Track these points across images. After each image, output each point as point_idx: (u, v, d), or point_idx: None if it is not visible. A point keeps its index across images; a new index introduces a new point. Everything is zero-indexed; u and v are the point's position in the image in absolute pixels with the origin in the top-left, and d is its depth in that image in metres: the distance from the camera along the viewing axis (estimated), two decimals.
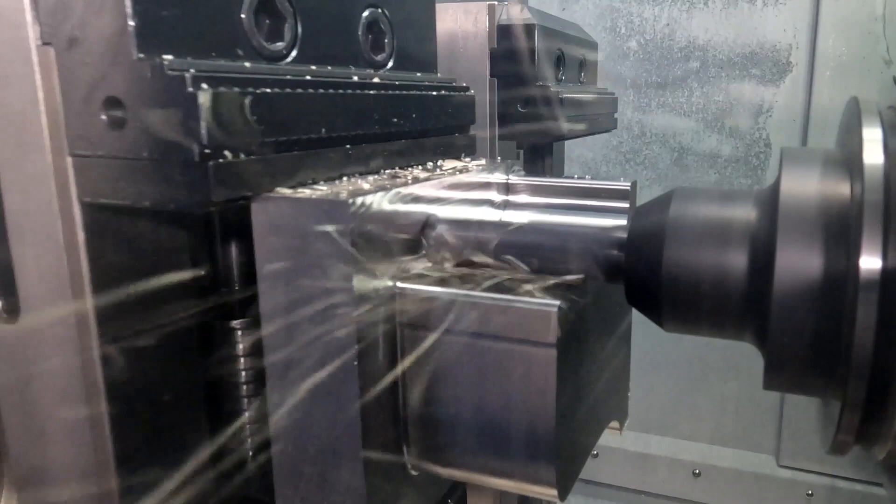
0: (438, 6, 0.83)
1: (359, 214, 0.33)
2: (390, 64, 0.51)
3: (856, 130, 0.36)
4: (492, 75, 0.81)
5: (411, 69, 0.53)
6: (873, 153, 0.34)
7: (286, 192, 0.34)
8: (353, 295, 0.33)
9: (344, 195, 0.34)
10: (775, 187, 0.37)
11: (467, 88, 0.57)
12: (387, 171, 0.45)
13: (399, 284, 0.38)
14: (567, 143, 1.09)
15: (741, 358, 1.73)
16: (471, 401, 0.37)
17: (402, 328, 0.38)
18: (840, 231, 0.34)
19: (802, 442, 1.70)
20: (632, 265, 0.40)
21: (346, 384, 0.35)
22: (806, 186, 0.36)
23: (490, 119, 0.83)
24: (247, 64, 0.35)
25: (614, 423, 0.50)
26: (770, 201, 0.37)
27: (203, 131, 0.30)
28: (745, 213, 0.38)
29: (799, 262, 0.34)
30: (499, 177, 0.51)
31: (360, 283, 0.34)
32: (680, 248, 0.38)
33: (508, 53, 0.81)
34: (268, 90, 0.35)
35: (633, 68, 1.73)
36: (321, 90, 0.38)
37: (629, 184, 0.49)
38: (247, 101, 0.32)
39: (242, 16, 0.37)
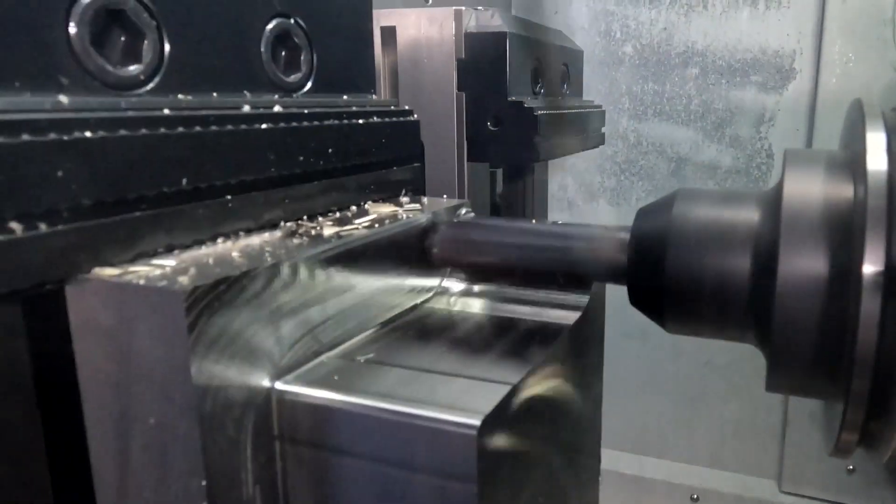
0: (400, 11, 0.74)
1: (203, 305, 0.24)
2: (308, 86, 0.42)
3: (859, 133, 0.36)
4: (459, 89, 0.73)
5: (337, 91, 0.44)
6: (877, 157, 0.34)
7: (109, 273, 0.26)
8: (197, 415, 0.24)
9: (185, 280, 0.24)
10: (778, 189, 0.37)
11: (409, 112, 0.48)
12: (286, 224, 0.36)
13: (278, 386, 0.29)
14: None
15: (741, 378, 1.67)
16: None
17: (282, 443, 0.29)
18: (843, 233, 0.34)
19: (806, 467, 1.64)
20: (635, 266, 0.39)
21: None
22: (809, 188, 0.36)
23: (457, 137, 0.74)
24: (62, 98, 0.26)
25: None
26: (773, 203, 0.37)
27: None
28: (748, 215, 0.38)
29: (802, 263, 0.34)
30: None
31: (210, 397, 0.25)
32: (683, 249, 0.38)
33: (477, 64, 0.72)
34: (88, 134, 0.26)
35: (629, 74, 1.65)
36: (181, 129, 0.29)
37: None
38: (43, 151, 0.23)
39: (70, 30, 0.28)
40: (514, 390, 0.29)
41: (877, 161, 0.33)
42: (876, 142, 0.34)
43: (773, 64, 1.53)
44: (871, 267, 0.31)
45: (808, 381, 0.36)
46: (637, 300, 0.40)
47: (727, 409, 1.72)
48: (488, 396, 0.28)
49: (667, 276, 0.38)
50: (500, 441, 0.28)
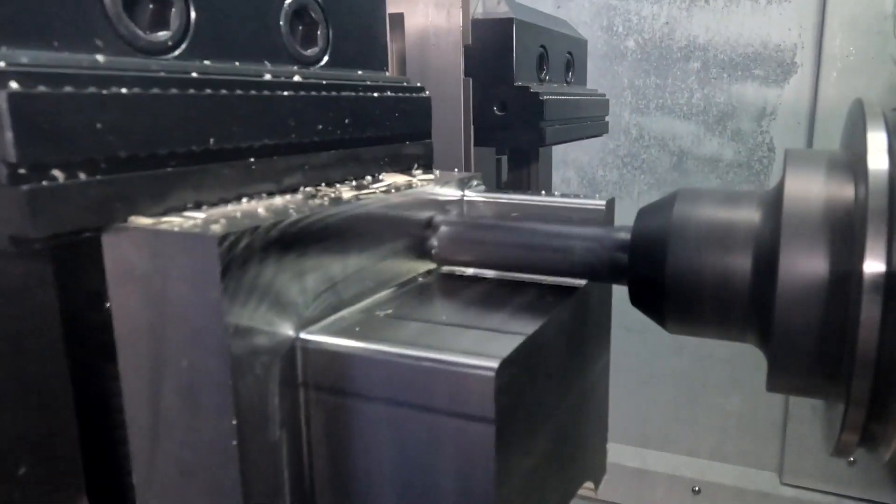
0: None
1: (234, 253, 0.26)
2: (324, 60, 0.43)
3: (860, 133, 0.36)
4: (466, 74, 0.74)
5: (352, 66, 0.45)
6: (878, 157, 0.34)
7: (144, 222, 0.27)
8: (228, 358, 0.26)
9: (217, 228, 0.26)
10: (779, 189, 0.37)
11: (421, 89, 0.49)
12: (306, 189, 0.37)
13: (303, 336, 0.30)
14: (560, 146, 1.02)
15: (743, 371, 1.68)
16: (392, 486, 0.30)
17: (306, 390, 0.30)
18: (844, 234, 0.34)
19: (807, 459, 1.65)
20: (635, 266, 0.39)
21: (226, 469, 0.27)
22: (810, 188, 0.36)
23: (464, 123, 0.75)
24: (99, 58, 0.27)
25: (588, 484, 0.43)
26: (774, 203, 0.37)
27: (8, 143, 0.23)
28: (749, 215, 0.38)
29: (803, 263, 0.34)
30: (449, 193, 0.43)
31: (240, 341, 0.26)
32: (683, 249, 0.38)
33: (484, 50, 0.73)
34: (124, 90, 0.27)
35: (631, 68, 1.66)
36: (208, 91, 0.31)
37: (604, 203, 0.42)
38: (84, 104, 0.25)
39: None
40: (530, 339, 0.30)
41: (878, 161, 0.33)
42: (877, 142, 0.34)
43: (774, 58, 1.54)
44: (871, 267, 0.31)
45: (809, 382, 0.36)
46: (637, 300, 0.40)
47: (728, 402, 1.73)
48: (505, 343, 0.29)
49: (667, 275, 0.38)
50: (516, 384, 0.29)
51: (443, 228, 0.42)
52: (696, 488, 1.76)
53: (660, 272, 0.38)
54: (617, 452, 1.80)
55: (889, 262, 0.31)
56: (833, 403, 0.37)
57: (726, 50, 1.58)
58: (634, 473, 1.82)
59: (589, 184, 1.75)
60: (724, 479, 1.75)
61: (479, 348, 0.29)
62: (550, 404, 0.35)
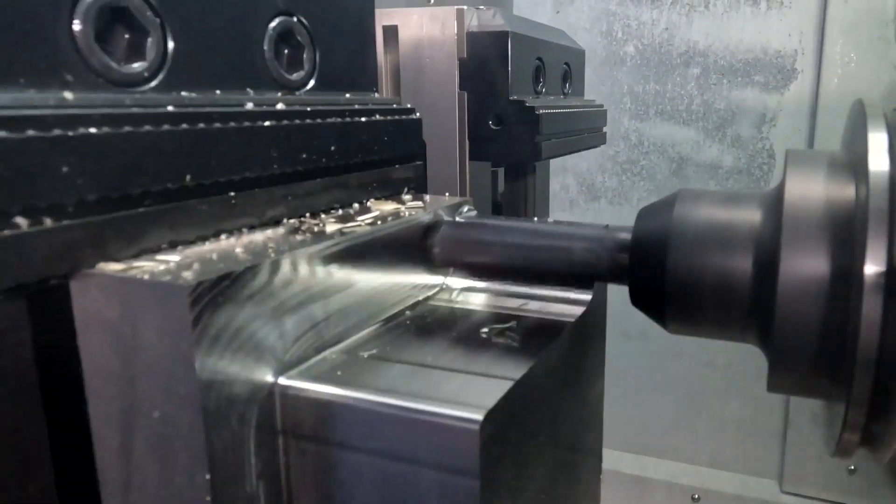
0: (402, 11, 0.74)
1: (207, 300, 0.24)
2: (311, 84, 0.42)
3: (861, 133, 0.36)
4: (461, 88, 0.73)
5: (340, 89, 0.44)
6: (878, 157, 0.34)
7: (113, 268, 0.26)
8: (200, 410, 0.24)
9: (189, 275, 0.25)
10: (780, 189, 0.37)
11: (411, 111, 0.48)
12: (289, 221, 0.36)
13: (282, 381, 0.29)
14: None
15: (742, 378, 1.67)
16: None
17: (285, 437, 0.29)
18: (845, 234, 0.34)
19: (807, 467, 1.64)
20: (636, 266, 0.39)
21: None
22: (811, 189, 0.36)
23: (459, 137, 0.74)
24: (67, 95, 0.26)
25: None
26: (774, 203, 0.37)
27: None
28: (750, 215, 0.38)
29: (803, 264, 0.34)
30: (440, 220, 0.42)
31: (214, 392, 0.25)
32: (684, 249, 0.38)
33: (479, 64, 0.72)
34: (93, 130, 0.26)
35: (631, 74, 1.65)
36: (185, 125, 0.30)
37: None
38: (48, 147, 0.24)
39: (75, 27, 0.28)
40: (517, 385, 0.29)
41: (878, 161, 0.33)
42: (878, 142, 0.34)
43: (774, 64, 1.53)
44: (872, 267, 0.31)
45: (810, 382, 0.36)
46: (638, 300, 0.40)
47: (728, 409, 1.72)
48: (491, 391, 0.28)
49: (668, 276, 0.38)
50: (502, 435, 0.28)
51: (444, 229, 0.42)
52: (696, 496, 1.75)
53: (660, 272, 0.38)
54: (615, 459, 1.79)
55: (889, 262, 0.31)
56: (833, 403, 0.37)
57: (726, 56, 1.57)
58: (633, 481, 1.81)
59: (588, 190, 1.74)
60: (724, 487, 1.74)
61: (463, 397, 0.28)
62: (541, 444, 0.34)
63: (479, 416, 0.26)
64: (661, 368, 1.75)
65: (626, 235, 0.40)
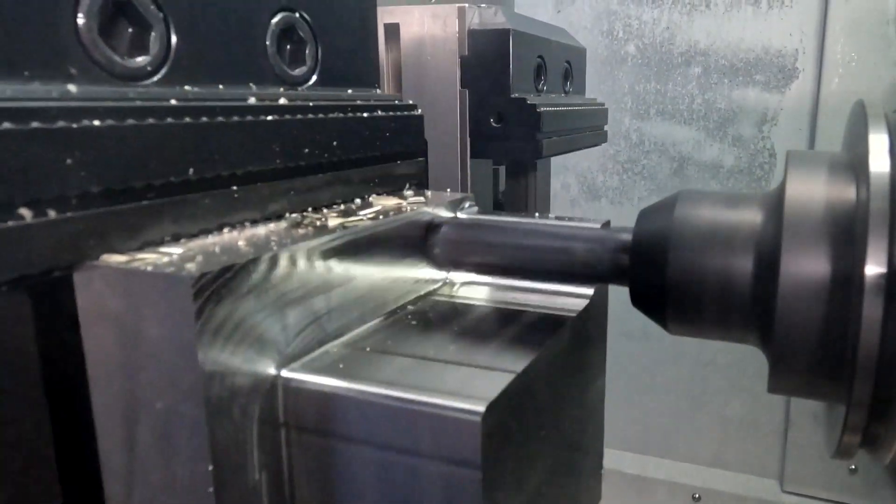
0: (404, 9, 0.75)
1: (210, 292, 0.25)
2: (313, 80, 0.42)
3: (862, 134, 0.35)
4: (462, 86, 0.73)
5: (342, 85, 0.44)
6: (879, 158, 0.34)
7: (117, 259, 0.26)
8: (203, 401, 0.25)
9: (192, 267, 0.25)
10: (780, 190, 0.37)
11: (413, 107, 0.48)
12: (291, 216, 0.36)
13: (284, 374, 0.29)
14: None
15: (743, 378, 1.67)
16: None
17: (288, 430, 0.29)
18: (845, 235, 0.34)
19: (808, 467, 1.64)
20: (637, 267, 0.39)
21: None
22: (811, 190, 0.36)
23: (461, 134, 0.74)
24: (71, 87, 0.26)
25: None
26: (775, 204, 0.37)
27: None
28: (750, 217, 0.38)
29: (804, 265, 0.34)
30: (441, 216, 0.42)
31: (216, 383, 0.25)
32: (685, 250, 0.37)
33: (480, 61, 0.72)
34: (96, 123, 0.26)
35: (632, 74, 1.65)
36: (188, 119, 0.30)
37: (598, 225, 0.41)
38: (52, 139, 0.24)
39: (79, 21, 0.28)
40: (519, 378, 0.29)
41: (879, 163, 0.33)
42: (878, 143, 0.34)
43: (775, 63, 1.52)
44: (873, 269, 0.31)
45: (810, 383, 0.36)
46: (639, 301, 0.40)
47: (729, 408, 1.72)
48: (493, 384, 0.28)
49: (669, 277, 0.38)
50: (504, 428, 0.28)
51: (444, 229, 0.42)
52: (697, 495, 1.75)
53: (661, 273, 0.38)
54: (617, 459, 1.79)
55: (890, 264, 0.31)
56: (834, 405, 0.37)
57: (727, 55, 1.57)
58: (634, 480, 1.81)
59: (589, 189, 1.74)
60: (725, 487, 1.74)
61: (465, 389, 0.28)
62: (542, 438, 0.34)
63: (481, 408, 0.26)
64: (662, 368, 1.75)
65: (627, 236, 0.40)
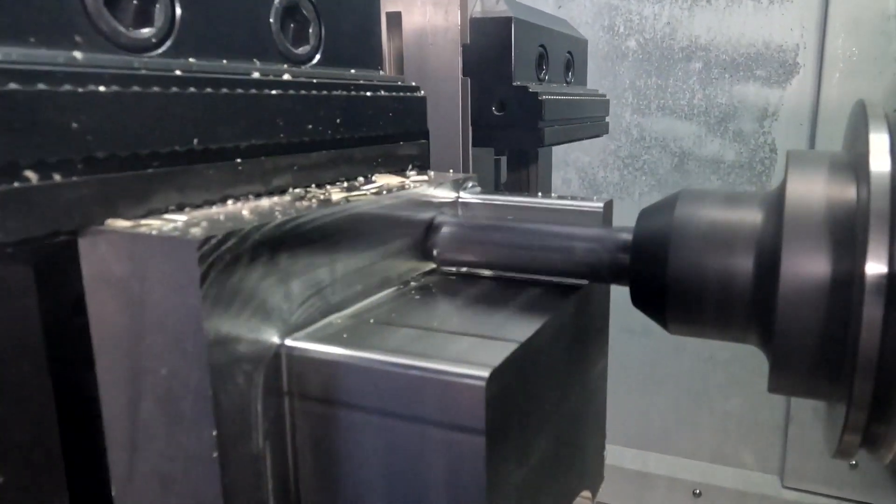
0: None
1: (215, 257, 0.25)
2: (316, 59, 0.42)
3: (862, 134, 0.35)
4: (464, 74, 0.73)
5: (345, 65, 0.44)
6: (880, 158, 0.33)
7: (122, 224, 0.26)
8: (208, 366, 0.25)
9: (197, 231, 0.25)
10: (781, 190, 0.37)
11: (416, 88, 0.48)
12: (295, 190, 0.36)
13: (288, 343, 0.29)
14: (561, 146, 1.01)
15: (744, 373, 1.67)
16: (381, 498, 0.29)
17: (291, 398, 0.29)
18: (846, 235, 0.34)
19: (808, 462, 1.64)
20: (637, 267, 0.39)
21: (207, 481, 0.26)
22: (812, 190, 0.36)
23: (462, 123, 0.74)
24: (76, 54, 0.26)
25: (585, 493, 0.42)
26: (776, 204, 0.37)
27: None
28: (751, 216, 0.38)
29: (805, 265, 0.34)
30: (444, 195, 0.42)
31: (221, 349, 0.25)
32: (685, 250, 0.38)
33: (482, 50, 0.72)
34: (102, 89, 0.26)
35: (632, 69, 1.65)
36: (192, 89, 0.30)
37: (601, 204, 0.41)
38: (59, 102, 0.24)
39: None
40: (523, 347, 0.29)
41: (880, 163, 0.33)
42: (879, 143, 0.34)
43: (776, 59, 1.53)
44: (873, 269, 0.31)
45: (810, 383, 0.36)
46: (639, 301, 0.40)
47: (730, 404, 1.72)
48: (497, 351, 0.28)
49: (669, 276, 0.38)
50: (508, 393, 0.28)
51: (444, 229, 0.42)
52: (697, 491, 1.75)
53: (661, 273, 0.38)
54: (617, 455, 1.79)
55: (891, 264, 0.31)
56: (834, 405, 0.37)
57: (728, 50, 1.57)
58: (635, 476, 1.81)
59: (590, 185, 1.74)
60: (726, 482, 1.74)
61: (469, 356, 0.28)
62: (546, 411, 0.34)
63: (485, 373, 0.26)
64: (663, 364, 1.75)
65: (628, 236, 0.40)
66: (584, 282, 0.40)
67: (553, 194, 0.43)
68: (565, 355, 0.37)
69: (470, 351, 0.29)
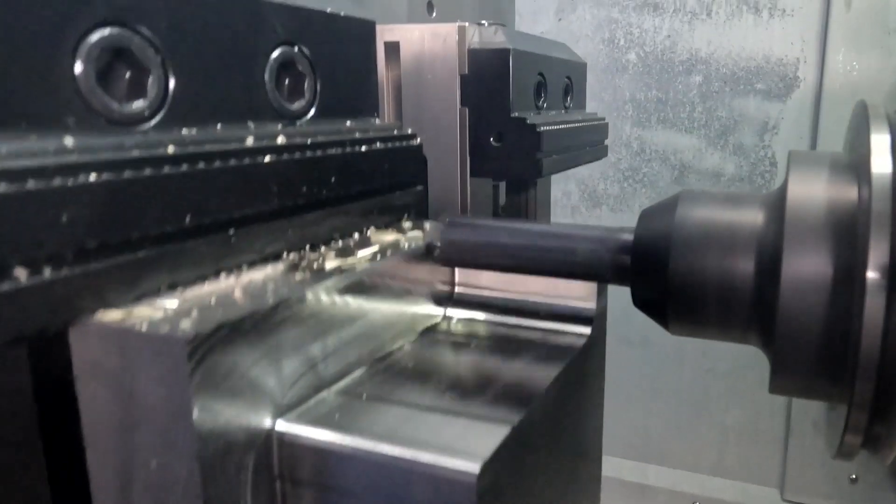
0: (404, 27, 0.74)
1: (205, 349, 0.24)
2: (311, 112, 0.42)
3: (864, 135, 0.35)
4: (462, 104, 0.73)
5: (341, 116, 0.44)
6: (881, 158, 0.33)
7: (112, 316, 0.26)
8: (197, 461, 0.24)
9: (187, 325, 0.25)
10: (782, 190, 0.37)
11: (412, 137, 0.48)
12: (289, 257, 0.36)
13: (279, 426, 0.29)
14: None
15: (744, 385, 1.67)
16: None
17: (283, 482, 0.29)
18: (847, 236, 0.34)
19: (808, 475, 1.64)
20: (638, 268, 0.39)
21: None
22: (813, 190, 0.36)
23: (461, 154, 0.74)
24: (67, 141, 0.26)
25: None
26: (777, 204, 0.37)
27: None
28: (752, 217, 0.38)
29: (806, 265, 0.34)
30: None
31: (211, 441, 0.25)
32: (686, 250, 0.38)
33: (480, 80, 0.72)
34: (93, 178, 0.26)
35: (633, 82, 1.65)
36: (185, 167, 0.30)
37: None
38: (49, 197, 0.24)
39: (76, 69, 0.28)
40: (513, 432, 0.29)
41: (881, 163, 0.33)
42: (880, 143, 0.34)
43: (776, 72, 1.52)
44: (874, 269, 0.31)
45: (812, 383, 0.36)
46: (640, 301, 0.40)
47: (729, 416, 1.71)
48: (488, 438, 0.28)
49: (670, 277, 0.38)
50: (500, 482, 0.28)
51: (447, 229, 0.42)
52: (697, 503, 1.75)
53: (662, 273, 0.38)
54: (616, 467, 1.79)
55: (892, 265, 0.31)
56: (836, 405, 0.37)
57: (728, 63, 1.56)
58: (634, 488, 1.81)
59: (590, 197, 1.74)
60: (725, 495, 1.74)
61: (461, 443, 0.28)
62: (539, 483, 0.34)
63: (476, 468, 0.26)
64: (661, 375, 1.74)
65: (629, 236, 0.40)
66: (585, 330, 0.40)
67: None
68: (558, 424, 0.37)
69: (462, 435, 0.29)
